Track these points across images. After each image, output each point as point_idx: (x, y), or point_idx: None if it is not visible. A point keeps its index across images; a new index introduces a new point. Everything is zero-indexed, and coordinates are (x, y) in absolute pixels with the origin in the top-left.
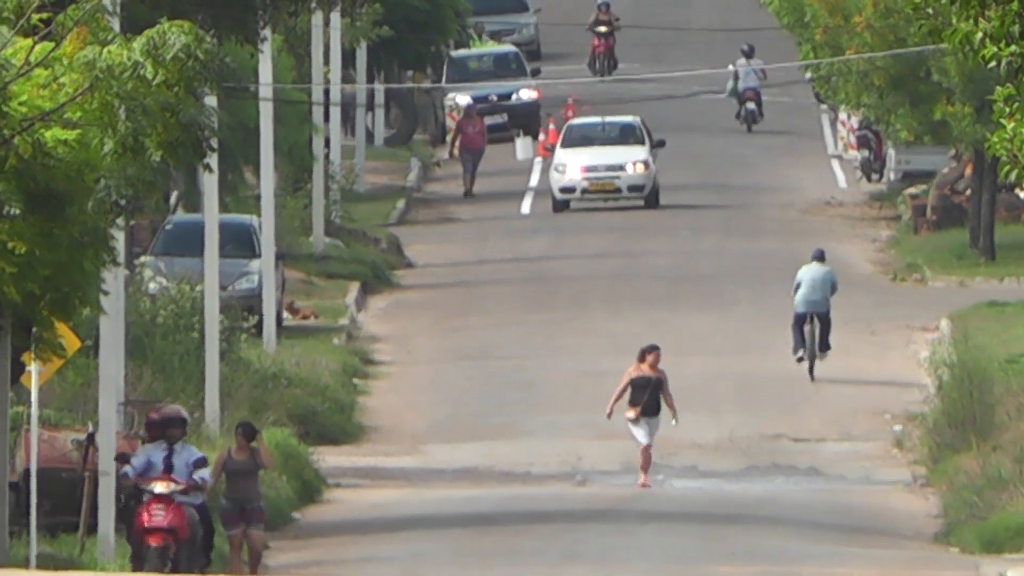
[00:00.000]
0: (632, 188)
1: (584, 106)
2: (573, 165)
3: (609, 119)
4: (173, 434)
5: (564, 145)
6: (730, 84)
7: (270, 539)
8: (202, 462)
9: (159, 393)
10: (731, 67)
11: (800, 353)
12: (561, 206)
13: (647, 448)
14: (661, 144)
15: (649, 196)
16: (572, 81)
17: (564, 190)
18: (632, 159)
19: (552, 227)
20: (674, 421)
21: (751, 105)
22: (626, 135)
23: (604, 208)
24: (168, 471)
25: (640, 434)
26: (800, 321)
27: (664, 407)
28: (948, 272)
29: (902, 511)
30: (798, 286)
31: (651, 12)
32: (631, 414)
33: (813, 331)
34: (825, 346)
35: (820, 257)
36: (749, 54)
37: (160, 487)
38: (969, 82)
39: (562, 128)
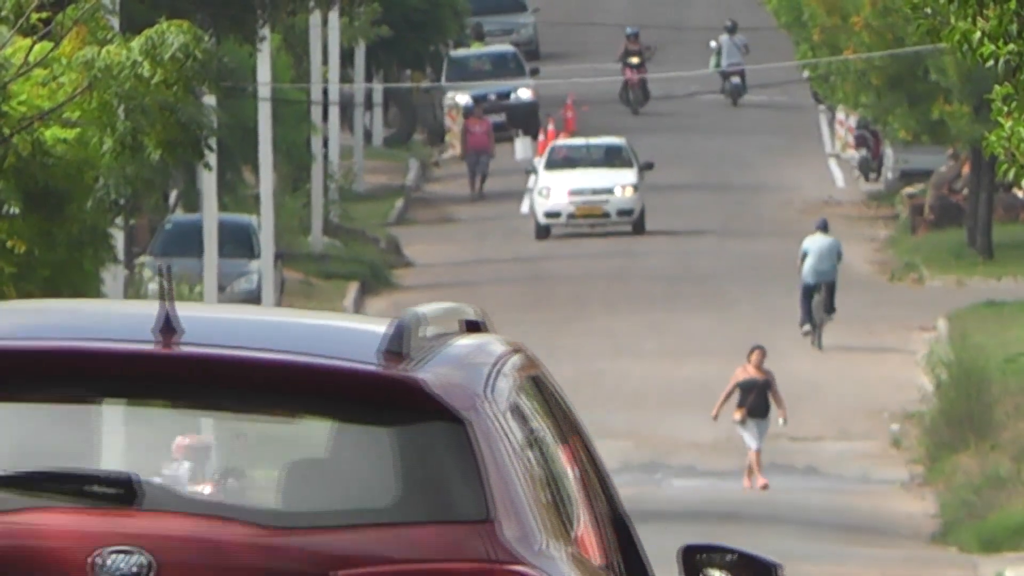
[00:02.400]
0: (621, 213)
1: (583, 106)
2: (558, 188)
3: (594, 140)
4: None
5: (548, 167)
6: (713, 60)
7: None
8: None
9: None
10: (712, 44)
11: (807, 327)
12: (543, 232)
13: (757, 452)
14: (649, 167)
15: (637, 221)
16: (571, 81)
17: (549, 215)
18: (621, 182)
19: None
20: (781, 421)
21: (736, 79)
22: (612, 157)
23: (591, 234)
24: None
25: (748, 437)
26: (808, 292)
27: (773, 408)
28: (946, 271)
29: (900, 510)
30: (804, 256)
31: (650, 12)
32: (737, 416)
33: (821, 301)
34: (830, 308)
35: (824, 227)
36: (732, 30)
37: None
38: (967, 81)
39: (559, 132)
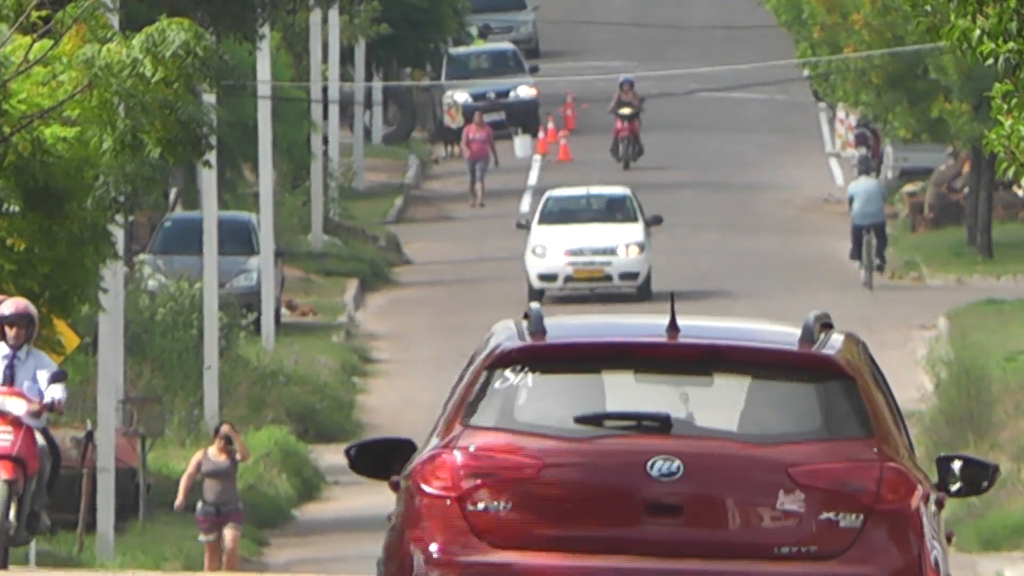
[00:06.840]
0: (625, 276)
1: (583, 104)
2: (554, 247)
3: (594, 191)
4: (17, 335)
5: (542, 221)
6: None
7: (270, 536)
8: (60, 376)
9: (158, 390)
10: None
11: (858, 263)
12: (536, 296)
13: None
14: (657, 221)
15: (642, 285)
16: (570, 79)
17: (543, 277)
18: (625, 241)
19: None
20: None
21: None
22: (614, 210)
23: (590, 298)
24: (9, 383)
25: None
26: (858, 232)
27: None
28: (946, 270)
29: None
30: (851, 200)
31: (649, 10)
32: None
33: (870, 242)
34: (882, 260)
35: (866, 172)
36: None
37: (10, 403)
38: (967, 79)
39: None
